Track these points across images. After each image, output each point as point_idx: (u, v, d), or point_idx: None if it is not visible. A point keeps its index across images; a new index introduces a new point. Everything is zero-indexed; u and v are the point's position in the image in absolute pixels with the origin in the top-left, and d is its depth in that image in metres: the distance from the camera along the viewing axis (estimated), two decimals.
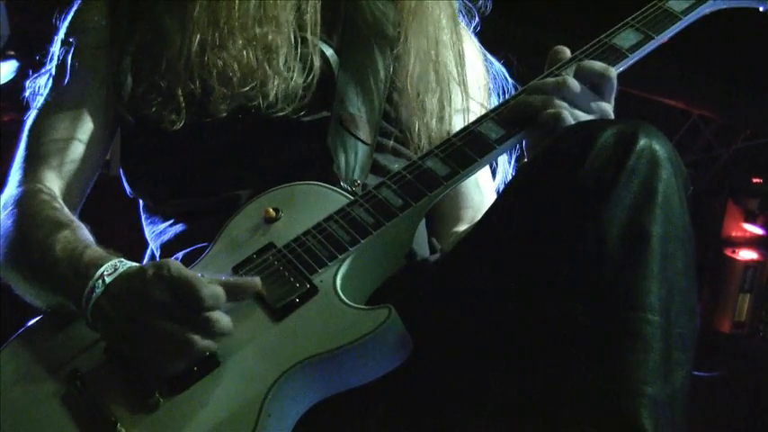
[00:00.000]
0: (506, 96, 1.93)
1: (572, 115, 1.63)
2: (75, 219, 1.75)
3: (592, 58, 1.74)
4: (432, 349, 1.51)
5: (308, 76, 1.88)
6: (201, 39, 1.85)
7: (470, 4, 2.14)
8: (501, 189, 2.04)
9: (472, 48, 2.17)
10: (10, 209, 1.78)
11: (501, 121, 1.71)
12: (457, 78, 2.06)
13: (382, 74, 1.97)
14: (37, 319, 1.66)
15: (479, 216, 1.74)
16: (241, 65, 1.83)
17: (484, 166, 1.75)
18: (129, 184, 2.01)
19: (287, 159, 1.86)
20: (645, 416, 1.30)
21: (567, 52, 1.77)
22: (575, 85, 1.67)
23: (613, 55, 1.76)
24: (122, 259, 1.59)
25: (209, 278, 1.49)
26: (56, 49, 1.96)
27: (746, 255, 6.84)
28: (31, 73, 1.97)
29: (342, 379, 1.48)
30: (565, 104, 1.65)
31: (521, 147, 1.77)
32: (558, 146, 1.51)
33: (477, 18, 2.15)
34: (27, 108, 1.94)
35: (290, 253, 1.60)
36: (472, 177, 1.79)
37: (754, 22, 2.02)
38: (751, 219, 6.89)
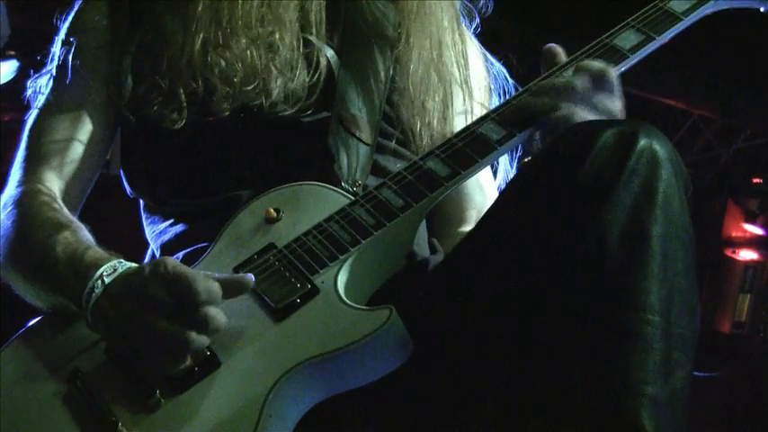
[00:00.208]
0: (507, 97, 1.93)
1: (579, 116, 1.63)
2: (75, 219, 1.75)
3: (593, 59, 1.74)
4: (432, 349, 1.51)
5: (312, 77, 1.88)
6: (204, 37, 1.84)
7: (470, 5, 2.14)
8: (502, 189, 2.04)
9: (473, 48, 2.17)
10: (10, 209, 1.78)
11: (502, 122, 1.71)
12: (459, 79, 2.05)
13: (383, 74, 1.97)
14: (37, 319, 1.66)
15: (481, 215, 1.74)
16: (245, 64, 1.83)
17: (485, 166, 1.75)
18: (129, 184, 2.00)
19: (288, 159, 1.85)
20: (645, 416, 1.30)
21: (560, 50, 1.77)
22: (580, 86, 1.67)
23: (614, 56, 1.76)
24: (122, 260, 1.58)
25: (205, 274, 1.49)
26: (56, 49, 1.95)
27: (747, 255, 6.86)
28: (31, 73, 1.97)
29: (342, 379, 1.48)
30: (572, 105, 1.65)
31: (522, 147, 1.77)
32: (559, 146, 1.51)
33: (477, 19, 2.15)
34: (28, 108, 1.94)
35: (290, 253, 1.60)
36: (474, 177, 1.79)
37: (755, 22, 2.02)
38: (751, 219, 6.90)
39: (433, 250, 1.92)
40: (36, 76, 1.96)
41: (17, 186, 1.83)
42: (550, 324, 1.39)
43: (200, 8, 1.86)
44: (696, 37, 1.96)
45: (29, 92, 1.95)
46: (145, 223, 2.01)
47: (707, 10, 1.87)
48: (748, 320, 6.79)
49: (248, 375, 1.46)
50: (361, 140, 1.88)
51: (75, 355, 1.55)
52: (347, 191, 1.75)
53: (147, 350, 1.46)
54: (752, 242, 6.88)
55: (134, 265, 1.58)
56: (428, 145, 1.94)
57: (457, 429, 1.51)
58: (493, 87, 2.12)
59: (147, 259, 2.02)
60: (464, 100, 2.05)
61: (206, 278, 1.47)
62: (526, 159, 1.76)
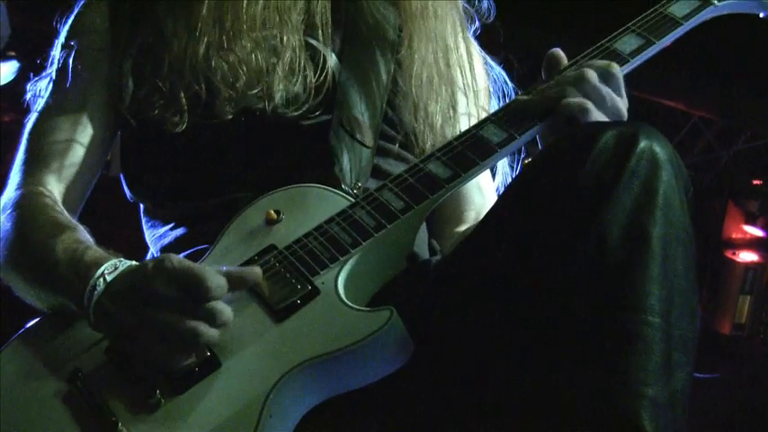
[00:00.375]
0: (507, 100, 1.93)
1: (590, 106, 1.64)
2: (74, 220, 1.75)
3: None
4: (433, 350, 1.51)
5: (316, 80, 1.87)
6: (208, 40, 1.84)
7: (470, 9, 2.14)
8: (502, 190, 2.04)
9: (474, 51, 2.17)
10: (9, 211, 1.78)
11: (502, 125, 1.71)
12: (461, 83, 2.05)
13: (384, 77, 1.97)
14: (37, 319, 1.66)
15: (481, 217, 1.74)
16: (249, 67, 1.83)
17: (486, 169, 1.75)
18: (129, 188, 2.00)
19: (288, 162, 1.85)
20: (645, 417, 1.30)
21: (563, 54, 1.77)
22: (593, 76, 1.67)
23: (614, 60, 1.76)
24: (122, 259, 1.59)
25: (212, 268, 1.49)
26: (56, 52, 1.95)
27: (747, 256, 6.86)
28: (31, 75, 1.97)
29: (343, 380, 1.48)
30: (583, 96, 1.65)
31: (524, 149, 1.77)
32: (559, 147, 1.51)
33: (477, 22, 2.15)
34: (28, 109, 1.94)
35: (291, 255, 1.60)
36: (473, 179, 1.80)
37: (755, 25, 2.03)
38: (751, 220, 6.90)
39: (432, 252, 1.92)
40: (36, 79, 1.96)
41: (16, 189, 1.83)
42: (551, 325, 1.39)
43: (203, 11, 1.86)
44: (697, 39, 1.97)
45: (28, 95, 1.95)
46: (145, 227, 2.01)
47: (707, 15, 1.88)
48: (748, 322, 6.79)
49: (248, 376, 1.47)
50: (362, 143, 1.88)
51: (75, 356, 1.55)
52: (348, 193, 1.75)
53: (153, 345, 1.46)
54: (752, 244, 6.88)
55: (135, 263, 1.58)
56: (431, 149, 1.93)
57: (457, 430, 1.51)
58: (492, 90, 2.12)
59: None
60: (467, 104, 2.05)
61: (215, 272, 1.47)
62: (527, 160, 1.76)
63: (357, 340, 1.45)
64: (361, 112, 1.91)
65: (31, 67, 2.00)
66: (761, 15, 1.98)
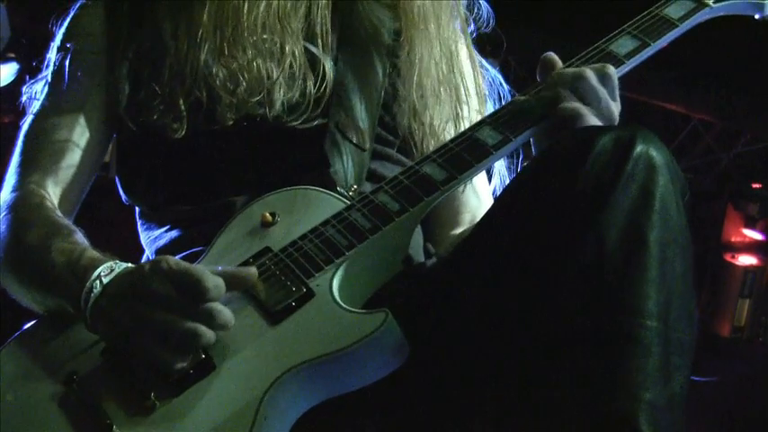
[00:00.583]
0: (503, 102, 1.93)
1: (584, 110, 1.64)
2: (70, 223, 1.75)
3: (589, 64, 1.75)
4: (429, 352, 1.51)
5: (315, 87, 1.87)
6: (208, 47, 1.83)
7: (469, 15, 2.13)
8: (499, 193, 2.04)
9: (471, 55, 2.17)
10: (5, 213, 1.78)
11: (498, 127, 1.71)
12: (461, 88, 2.05)
13: (380, 81, 1.97)
14: (34, 321, 1.66)
15: (476, 220, 1.74)
16: (250, 74, 1.83)
17: (481, 171, 1.75)
18: (124, 191, 2.00)
19: (284, 164, 1.85)
20: (644, 421, 1.31)
21: (557, 58, 1.77)
22: (592, 76, 1.68)
23: (610, 62, 1.76)
24: (118, 261, 1.59)
25: (209, 269, 1.49)
26: (52, 54, 1.95)
27: (746, 260, 6.84)
28: (27, 77, 1.97)
29: (339, 382, 1.48)
30: (577, 101, 1.66)
31: (522, 152, 1.77)
32: (556, 150, 1.52)
33: (473, 25, 2.15)
34: (24, 113, 1.94)
35: (286, 257, 1.60)
36: (469, 182, 1.79)
37: (754, 28, 2.03)
38: (751, 224, 6.88)
39: (427, 255, 1.92)
40: (32, 81, 1.96)
41: (12, 191, 1.83)
42: (548, 328, 1.39)
43: (204, 17, 1.85)
44: (697, 42, 1.97)
45: (24, 97, 1.95)
46: (140, 229, 2.01)
47: (702, 17, 1.88)
48: (747, 325, 6.78)
49: (244, 378, 1.47)
50: (358, 146, 1.88)
51: (71, 358, 1.56)
52: (343, 195, 1.75)
53: (150, 346, 1.46)
54: (751, 247, 6.86)
55: (131, 265, 1.58)
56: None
57: (454, 431, 1.51)
58: (488, 92, 2.12)
59: None
60: (467, 108, 2.05)
61: (212, 273, 1.47)
62: (526, 164, 1.77)
63: (352, 342, 1.45)
64: (357, 115, 1.91)
65: (31, 68, 1.99)
66: (756, 17, 1.98)
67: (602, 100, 1.67)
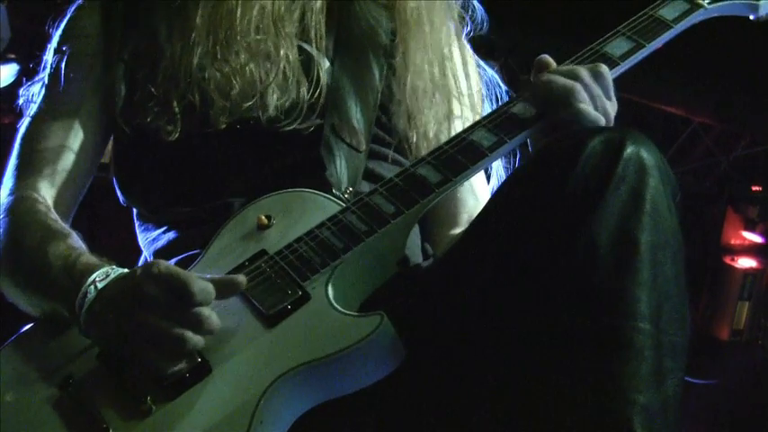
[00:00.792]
0: (500, 103, 1.93)
1: (581, 107, 1.64)
2: (66, 227, 1.75)
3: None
4: (425, 355, 1.51)
5: (310, 90, 1.87)
6: (202, 50, 1.84)
7: (464, 13, 2.14)
8: (491, 195, 2.04)
9: (468, 57, 2.17)
10: (1, 217, 1.78)
11: (493, 129, 1.71)
12: (456, 90, 2.05)
13: (376, 82, 1.97)
14: (30, 325, 1.66)
15: (471, 222, 1.74)
16: (243, 78, 1.82)
17: (476, 173, 1.74)
18: (122, 193, 2.00)
19: (280, 167, 1.85)
20: (638, 424, 1.31)
21: (552, 60, 1.77)
22: (585, 74, 1.68)
23: (604, 63, 1.76)
24: (114, 266, 1.59)
25: (198, 275, 1.49)
26: (48, 57, 1.95)
27: (746, 263, 6.84)
28: (24, 80, 1.97)
29: (334, 385, 1.48)
30: (575, 100, 1.65)
31: (519, 153, 1.77)
32: (547, 152, 1.52)
33: (469, 25, 2.15)
34: (21, 115, 1.94)
35: (282, 260, 1.60)
36: (467, 182, 1.79)
37: (754, 29, 2.03)
38: (750, 227, 6.88)
39: (425, 255, 1.92)
40: (28, 84, 1.96)
41: (9, 195, 1.83)
42: (541, 331, 1.39)
43: (198, 19, 1.85)
44: (696, 43, 1.97)
45: (21, 99, 1.95)
46: (138, 231, 2.01)
47: (697, 18, 1.88)
48: (747, 328, 6.78)
49: (240, 381, 1.47)
50: (354, 147, 1.88)
51: (67, 362, 1.56)
52: (339, 198, 1.75)
53: (143, 349, 1.46)
54: (751, 250, 6.86)
55: (126, 270, 1.58)
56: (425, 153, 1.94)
57: None
58: (485, 93, 2.12)
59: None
60: (461, 110, 2.05)
61: (200, 278, 1.47)
62: (518, 165, 1.77)
63: (348, 346, 1.45)
64: (353, 116, 1.91)
65: (31, 69, 2.00)
66: (751, 18, 1.98)
67: (596, 97, 1.68)
